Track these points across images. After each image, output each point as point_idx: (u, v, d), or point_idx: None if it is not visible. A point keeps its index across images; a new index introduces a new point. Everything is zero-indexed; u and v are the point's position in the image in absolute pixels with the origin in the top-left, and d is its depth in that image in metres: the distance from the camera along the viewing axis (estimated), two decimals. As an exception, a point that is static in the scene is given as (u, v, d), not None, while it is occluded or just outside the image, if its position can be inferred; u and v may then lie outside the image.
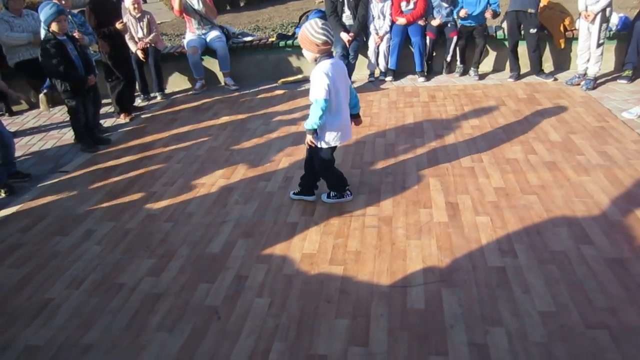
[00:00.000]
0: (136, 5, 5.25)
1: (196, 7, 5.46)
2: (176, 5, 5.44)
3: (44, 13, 3.84)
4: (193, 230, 2.90)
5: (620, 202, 2.81)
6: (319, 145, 2.79)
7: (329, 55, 2.62)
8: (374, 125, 4.25)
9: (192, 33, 5.63)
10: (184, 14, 5.53)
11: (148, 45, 5.35)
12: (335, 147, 2.88)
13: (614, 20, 5.09)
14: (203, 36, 5.62)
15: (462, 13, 5.09)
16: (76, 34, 4.29)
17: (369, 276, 2.36)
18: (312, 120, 2.65)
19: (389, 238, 2.65)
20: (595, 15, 4.46)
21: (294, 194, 3.14)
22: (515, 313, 2.06)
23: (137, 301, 2.33)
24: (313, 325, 2.08)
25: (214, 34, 5.61)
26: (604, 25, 4.52)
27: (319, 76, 2.56)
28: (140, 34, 5.38)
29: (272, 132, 4.31)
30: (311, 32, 2.52)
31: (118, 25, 4.63)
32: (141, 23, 5.36)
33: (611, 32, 5.05)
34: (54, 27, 3.87)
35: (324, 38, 2.52)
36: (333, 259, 2.52)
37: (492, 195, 2.99)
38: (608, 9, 4.47)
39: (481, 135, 3.87)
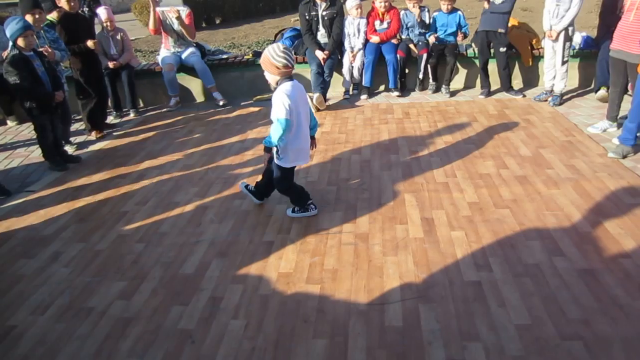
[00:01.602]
0: (109, 23, 5.19)
1: (175, 27, 5.42)
2: (151, 25, 5.38)
3: (10, 28, 3.73)
4: (166, 250, 2.82)
5: (589, 214, 2.89)
6: (278, 164, 2.86)
7: (290, 78, 2.72)
8: (350, 142, 4.28)
9: (167, 49, 5.58)
10: (162, 30, 5.47)
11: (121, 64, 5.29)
12: (294, 167, 2.95)
13: (577, 39, 5.34)
14: (178, 53, 5.58)
15: (432, 40, 5.28)
16: (44, 49, 4.19)
17: (346, 294, 2.34)
18: (273, 138, 2.72)
19: (366, 255, 2.64)
20: (558, 34, 4.66)
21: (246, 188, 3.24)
22: (491, 327, 2.07)
23: (106, 326, 2.24)
24: (290, 347, 2.04)
25: (189, 50, 5.58)
26: (567, 43, 4.72)
27: (281, 97, 2.64)
28: (113, 51, 5.31)
29: (247, 149, 4.28)
30: (272, 55, 2.64)
31: (90, 44, 4.56)
32: (114, 40, 5.29)
33: (575, 50, 5.28)
34: (20, 42, 3.76)
35: (284, 61, 2.63)
36: (310, 277, 2.49)
37: (466, 209, 3.03)
38: (570, 29, 4.67)
39: (454, 150, 3.94)
